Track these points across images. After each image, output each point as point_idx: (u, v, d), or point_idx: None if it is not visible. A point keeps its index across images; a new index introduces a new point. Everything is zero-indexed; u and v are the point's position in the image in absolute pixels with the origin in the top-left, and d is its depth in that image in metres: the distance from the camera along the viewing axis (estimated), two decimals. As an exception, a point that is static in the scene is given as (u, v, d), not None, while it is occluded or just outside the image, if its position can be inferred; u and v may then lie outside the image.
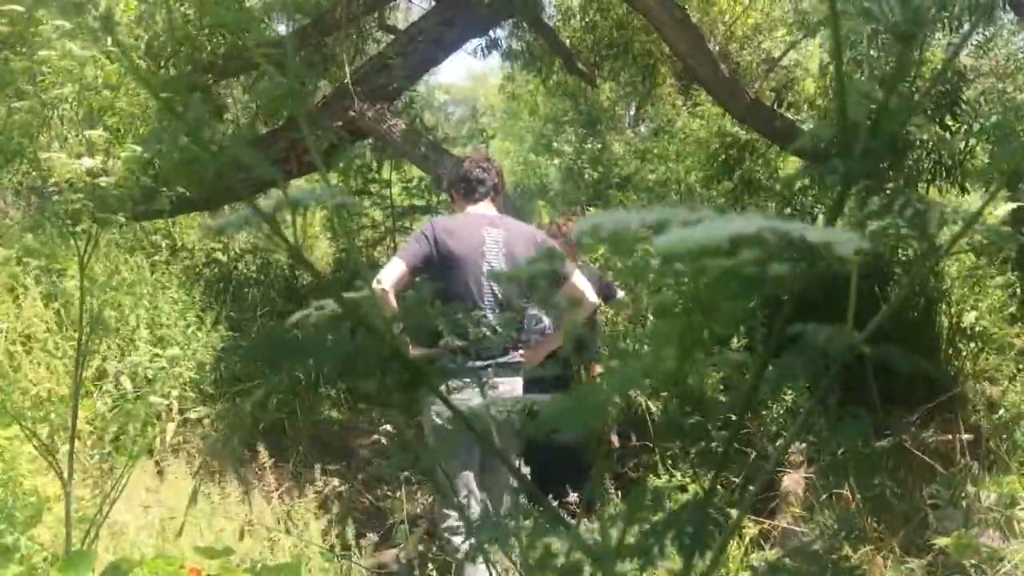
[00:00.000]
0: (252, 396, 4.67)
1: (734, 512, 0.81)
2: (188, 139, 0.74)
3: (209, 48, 6.02)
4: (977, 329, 5.78)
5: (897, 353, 0.67)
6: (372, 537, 3.63)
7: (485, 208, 3.46)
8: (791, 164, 8.42)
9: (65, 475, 2.32)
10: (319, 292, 0.87)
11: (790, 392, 4.50)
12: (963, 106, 5.56)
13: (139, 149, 2.48)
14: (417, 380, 0.85)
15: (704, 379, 4.55)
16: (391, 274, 3.11)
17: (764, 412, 4.60)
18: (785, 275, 0.42)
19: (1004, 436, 4.64)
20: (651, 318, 4.80)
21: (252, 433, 4.98)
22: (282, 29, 7.17)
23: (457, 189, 3.55)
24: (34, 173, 3.10)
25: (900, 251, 5.97)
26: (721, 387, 4.63)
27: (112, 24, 0.85)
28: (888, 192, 0.62)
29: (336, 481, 4.37)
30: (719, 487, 0.75)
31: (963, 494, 3.67)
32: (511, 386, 3.30)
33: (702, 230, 0.42)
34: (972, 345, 5.73)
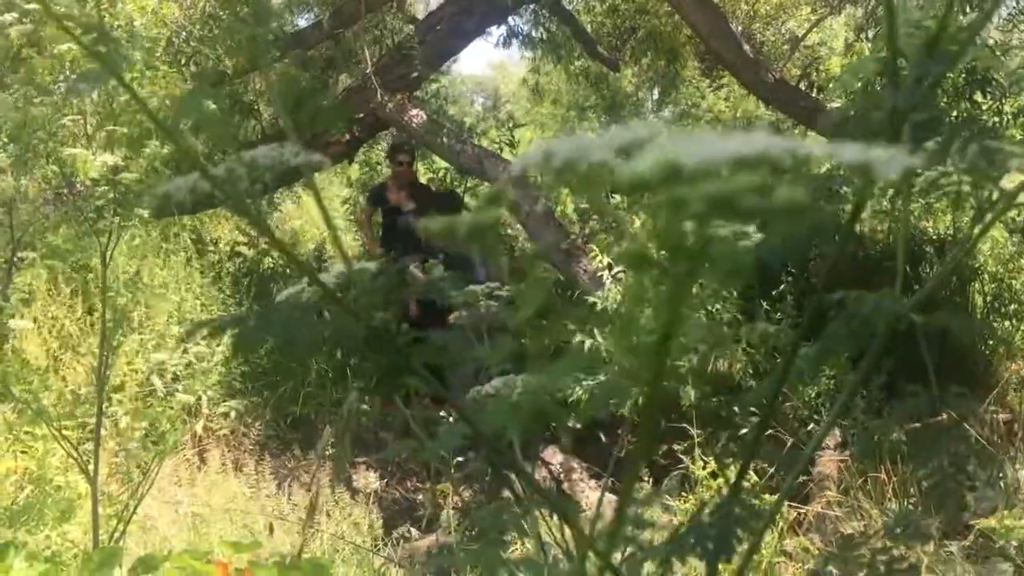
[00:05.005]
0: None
1: (768, 497, 0.75)
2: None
3: (229, 42, 6.01)
4: (1012, 307, 5.67)
5: (954, 320, 0.59)
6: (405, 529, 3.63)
7: None
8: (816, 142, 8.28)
9: (91, 472, 2.32)
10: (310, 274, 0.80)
11: (828, 373, 4.36)
12: (994, 82, 5.41)
13: (159, 145, 2.47)
14: (399, 365, 0.74)
15: (734, 360, 4.46)
16: None
17: (796, 394, 4.49)
18: (800, 206, 0.31)
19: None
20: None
21: (280, 426, 4.99)
22: (302, 23, 7.16)
23: None
24: (57, 170, 3.10)
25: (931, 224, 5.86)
26: (751, 370, 4.55)
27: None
28: (949, 124, 0.51)
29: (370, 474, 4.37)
30: (752, 476, 0.68)
31: (1001, 475, 3.59)
32: None
33: (686, 149, 0.31)
34: (1007, 324, 5.62)
